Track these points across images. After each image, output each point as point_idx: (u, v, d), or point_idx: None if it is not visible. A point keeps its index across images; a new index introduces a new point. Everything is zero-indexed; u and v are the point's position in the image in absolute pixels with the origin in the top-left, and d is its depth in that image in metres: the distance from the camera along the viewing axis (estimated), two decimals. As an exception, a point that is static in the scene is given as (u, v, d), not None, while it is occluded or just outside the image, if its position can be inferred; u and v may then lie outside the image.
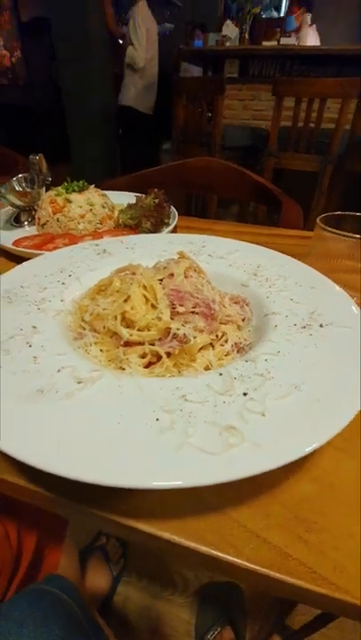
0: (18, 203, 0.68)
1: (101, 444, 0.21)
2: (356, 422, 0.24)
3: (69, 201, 0.64)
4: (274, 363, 0.27)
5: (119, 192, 0.82)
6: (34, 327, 0.31)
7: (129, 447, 0.21)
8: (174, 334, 0.29)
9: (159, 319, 0.29)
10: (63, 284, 0.39)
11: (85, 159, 3.07)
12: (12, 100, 4.95)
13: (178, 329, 0.29)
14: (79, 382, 0.25)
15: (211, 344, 0.31)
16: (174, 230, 0.68)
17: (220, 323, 0.33)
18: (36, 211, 0.68)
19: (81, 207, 0.64)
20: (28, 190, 0.69)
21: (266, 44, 2.79)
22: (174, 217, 0.69)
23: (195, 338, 0.29)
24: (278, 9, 4.42)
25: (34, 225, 0.69)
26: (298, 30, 3.04)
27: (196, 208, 2.01)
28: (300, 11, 3.11)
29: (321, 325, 0.31)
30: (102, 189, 0.71)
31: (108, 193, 0.73)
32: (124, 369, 0.28)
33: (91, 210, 0.65)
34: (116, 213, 0.70)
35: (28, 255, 0.56)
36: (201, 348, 0.30)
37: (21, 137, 4.55)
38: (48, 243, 0.61)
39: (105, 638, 0.58)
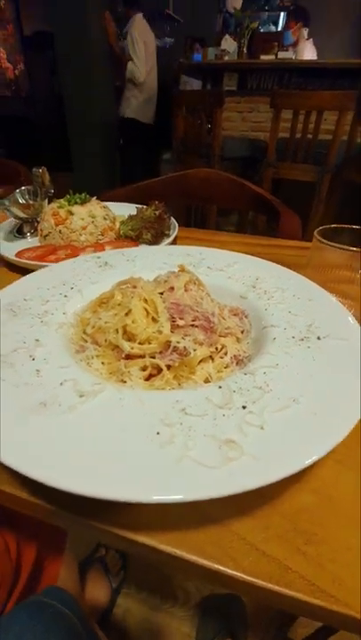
0: (21, 215, 0.69)
1: (103, 458, 0.21)
2: (354, 434, 0.24)
3: (72, 213, 0.65)
4: (272, 375, 0.28)
5: (120, 203, 0.83)
6: (37, 340, 0.32)
7: (130, 461, 0.21)
8: (174, 347, 0.30)
9: (160, 332, 0.30)
10: (65, 296, 0.40)
11: (87, 169, 3.11)
12: (15, 112, 5.05)
13: (178, 342, 0.30)
14: (81, 396, 0.25)
15: (210, 356, 0.32)
16: (174, 241, 0.69)
17: (220, 335, 0.33)
18: (38, 222, 0.70)
19: (83, 219, 0.66)
20: (31, 202, 0.71)
21: (264, 57, 2.85)
22: (174, 228, 0.71)
23: (194, 351, 0.30)
24: (276, 24, 4.53)
25: (36, 236, 0.70)
26: (295, 44, 3.11)
27: (196, 217, 2.03)
28: (297, 25, 3.18)
29: (318, 338, 0.32)
30: (102, 200, 0.73)
31: (110, 204, 0.74)
32: (125, 381, 0.29)
33: (92, 222, 0.66)
34: (118, 225, 0.71)
35: (31, 266, 0.57)
36: (201, 361, 0.31)
37: (24, 147, 4.63)
38: (50, 254, 0.62)
39: (104, 651, 0.57)
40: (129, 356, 0.30)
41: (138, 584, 0.98)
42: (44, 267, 0.52)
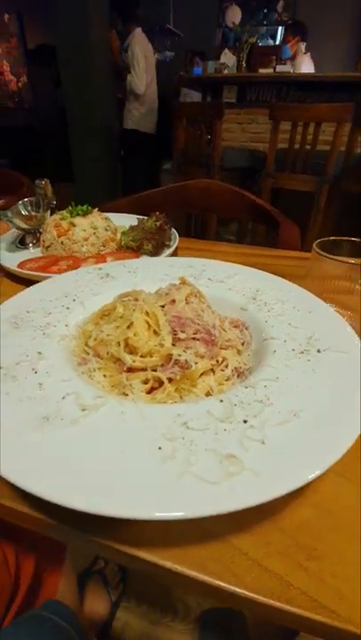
0: (23, 226, 0.70)
1: (104, 474, 0.21)
2: (355, 448, 0.24)
3: (74, 224, 0.66)
4: (273, 389, 0.28)
5: (121, 214, 0.84)
6: (39, 353, 0.32)
7: (132, 477, 0.21)
8: (176, 360, 0.30)
9: (161, 345, 0.30)
10: (68, 308, 0.40)
11: (88, 179, 3.15)
12: (18, 123, 5.15)
13: (179, 355, 0.30)
14: (83, 409, 0.26)
15: (211, 369, 0.32)
16: (175, 252, 0.70)
17: (221, 348, 0.34)
18: (40, 233, 0.70)
19: (85, 230, 0.66)
20: (34, 214, 0.72)
21: (262, 71, 2.91)
22: (175, 239, 0.71)
23: (196, 364, 0.30)
24: (274, 38, 4.65)
25: (38, 247, 0.71)
26: (293, 58, 3.18)
27: (196, 226, 2.05)
28: (294, 40, 3.26)
29: (319, 351, 0.32)
30: (104, 211, 0.74)
31: (111, 215, 0.75)
32: (127, 394, 0.29)
33: (94, 233, 0.67)
34: (119, 235, 0.72)
35: (33, 277, 0.57)
36: (202, 374, 0.31)
37: (26, 157, 4.70)
38: (52, 265, 0.63)
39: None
40: (131, 369, 0.31)
41: (137, 597, 0.96)
42: (45, 277, 0.53)
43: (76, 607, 0.69)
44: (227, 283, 0.47)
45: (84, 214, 0.69)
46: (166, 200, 1.14)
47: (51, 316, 0.38)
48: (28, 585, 0.59)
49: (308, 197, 2.01)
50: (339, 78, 2.42)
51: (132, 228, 0.71)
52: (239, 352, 0.36)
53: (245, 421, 0.25)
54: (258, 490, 0.20)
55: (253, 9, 4.62)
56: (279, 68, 2.95)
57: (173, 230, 0.73)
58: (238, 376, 0.33)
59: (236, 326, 0.39)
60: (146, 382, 0.30)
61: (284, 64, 3.07)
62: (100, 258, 0.65)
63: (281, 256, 0.75)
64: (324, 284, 0.51)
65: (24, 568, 0.60)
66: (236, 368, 0.33)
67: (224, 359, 0.33)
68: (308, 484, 0.28)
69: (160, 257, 0.66)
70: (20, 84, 5.25)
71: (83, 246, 0.66)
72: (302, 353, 0.32)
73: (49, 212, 0.74)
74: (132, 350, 0.31)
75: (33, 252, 0.70)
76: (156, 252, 0.67)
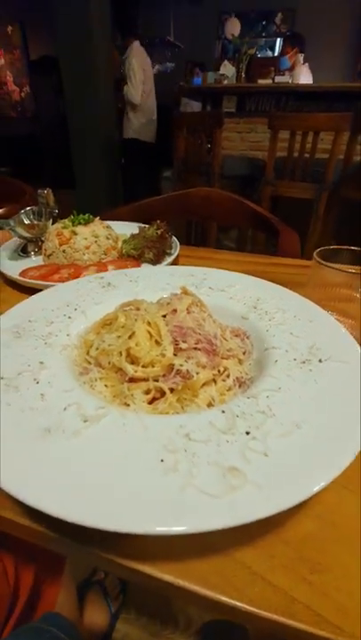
0: (26, 235, 0.71)
1: (106, 487, 0.21)
2: (357, 458, 0.24)
3: (75, 233, 0.67)
4: (275, 399, 0.28)
5: (122, 222, 0.85)
6: (41, 363, 0.32)
7: (134, 490, 0.21)
8: (177, 370, 0.30)
9: (163, 356, 0.31)
10: (69, 317, 0.40)
11: (89, 187, 3.18)
12: (21, 132, 5.23)
13: (181, 365, 0.30)
14: (85, 421, 0.26)
15: (213, 379, 0.32)
16: (176, 260, 0.71)
17: (222, 358, 0.34)
18: (42, 242, 0.71)
19: (86, 239, 0.67)
20: (36, 223, 0.72)
21: (261, 81, 2.96)
22: (176, 247, 0.72)
23: (197, 374, 0.30)
24: (273, 49, 4.73)
25: (40, 255, 0.71)
26: (291, 69, 3.23)
27: (196, 233, 2.06)
28: (293, 51, 3.32)
29: (320, 360, 0.32)
30: (105, 219, 0.74)
31: (112, 223, 0.75)
32: (128, 405, 0.29)
33: (96, 241, 0.68)
34: (120, 244, 0.72)
35: (34, 285, 0.58)
36: (203, 384, 0.31)
37: (29, 165, 4.76)
38: (54, 273, 0.63)
39: None
40: (132, 379, 0.31)
41: (137, 608, 0.94)
42: (47, 286, 0.53)
43: (75, 618, 0.68)
44: (228, 292, 0.47)
45: (86, 223, 0.69)
46: (167, 208, 1.15)
47: (52, 325, 0.38)
48: (28, 596, 0.58)
49: (306, 205, 2.03)
50: (337, 89, 2.46)
51: (133, 236, 0.72)
52: (240, 362, 0.36)
53: (248, 433, 0.25)
54: (261, 504, 0.20)
55: (252, 21, 4.71)
56: (278, 79, 3.00)
57: (174, 238, 0.73)
58: (240, 386, 0.33)
59: (237, 335, 0.39)
60: (147, 392, 0.30)
61: (283, 75, 3.12)
62: (101, 266, 0.65)
63: (281, 264, 0.75)
64: (324, 293, 0.51)
65: (23, 579, 0.60)
66: (237, 378, 0.33)
67: (226, 369, 0.33)
68: (312, 495, 0.28)
69: (161, 265, 0.66)
70: (22, 94, 5.35)
71: (84, 255, 0.67)
72: (304, 363, 0.32)
73: (51, 220, 0.74)
74: (133, 360, 0.31)
75: (35, 261, 0.70)
76: (157, 261, 0.68)
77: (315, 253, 0.51)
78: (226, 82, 3.10)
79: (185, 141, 2.23)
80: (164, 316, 0.35)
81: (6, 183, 1.28)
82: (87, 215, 0.71)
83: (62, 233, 0.67)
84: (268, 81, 2.96)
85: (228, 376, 0.32)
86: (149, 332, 0.33)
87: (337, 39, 4.42)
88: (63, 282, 0.54)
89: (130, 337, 0.32)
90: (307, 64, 3.28)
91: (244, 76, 3.16)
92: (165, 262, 0.67)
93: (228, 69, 3.19)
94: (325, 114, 1.87)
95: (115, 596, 0.93)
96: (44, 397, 0.28)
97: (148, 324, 0.33)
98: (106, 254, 0.69)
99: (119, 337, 0.33)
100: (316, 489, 0.21)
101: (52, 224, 0.72)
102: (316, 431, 0.25)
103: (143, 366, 0.31)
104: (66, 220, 0.70)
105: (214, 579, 0.24)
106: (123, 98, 3.09)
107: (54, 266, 0.66)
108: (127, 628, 0.90)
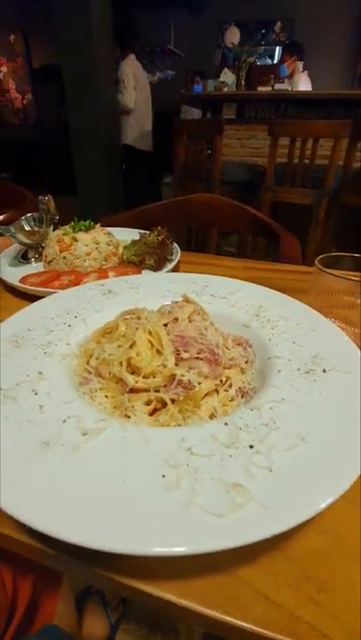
0: (26, 241, 0.71)
1: (105, 505, 0.21)
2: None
3: (76, 240, 0.67)
4: (279, 411, 0.27)
5: (123, 229, 0.85)
6: (40, 373, 0.31)
7: (134, 508, 0.20)
8: (179, 380, 0.30)
9: (164, 366, 0.30)
10: (69, 326, 0.40)
11: (90, 192, 3.20)
12: (23, 138, 5.28)
13: (183, 375, 0.30)
14: (84, 434, 0.25)
15: (215, 389, 0.31)
16: (177, 266, 0.70)
17: (224, 367, 0.33)
18: (43, 248, 0.71)
19: (87, 246, 0.67)
20: (37, 229, 0.72)
21: (261, 89, 2.98)
22: (177, 253, 0.72)
23: (199, 384, 0.30)
24: (272, 57, 4.79)
25: (41, 262, 0.71)
26: (291, 76, 3.27)
27: (197, 239, 2.07)
28: (291, 59, 3.36)
29: (324, 370, 0.32)
30: (105, 225, 0.74)
31: (113, 229, 0.75)
32: (129, 416, 0.29)
33: (96, 248, 0.67)
34: (121, 250, 0.72)
35: (34, 292, 0.57)
36: (206, 394, 0.30)
37: (30, 171, 4.80)
38: (54, 279, 0.63)
39: None
40: (133, 390, 0.30)
41: (137, 619, 0.93)
42: (47, 292, 0.53)
43: (74, 630, 0.67)
44: (229, 299, 0.47)
45: (87, 229, 0.69)
46: (168, 214, 1.15)
47: (52, 334, 0.38)
48: (26, 607, 0.57)
49: (306, 210, 2.03)
50: (335, 96, 2.48)
51: (133, 242, 0.71)
52: (243, 371, 0.35)
53: (251, 447, 0.24)
54: (266, 523, 0.19)
55: (252, 30, 4.78)
56: (277, 86, 3.03)
57: (175, 245, 0.73)
58: (242, 396, 0.32)
59: (239, 344, 0.38)
60: (149, 403, 0.29)
61: (282, 82, 3.16)
62: (101, 273, 0.65)
63: (282, 270, 0.75)
64: (326, 300, 0.51)
65: (21, 590, 0.59)
66: (240, 388, 0.32)
67: (228, 379, 0.32)
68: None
69: (162, 272, 0.66)
70: (24, 102, 5.41)
71: (85, 261, 0.66)
72: (308, 373, 0.32)
73: (52, 227, 0.74)
74: (134, 370, 0.31)
75: (35, 267, 0.70)
76: (158, 267, 0.67)
77: (317, 260, 0.51)
78: (226, 89, 3.14)
79: (185, 148, 2.24)
80: (166, 325, 0.34)
81: (7, 189, 1.28)
82: (88, 222, 0.71)
83: (63, 239, 0.67)
84: (268, 88, 2.99)
85: (230, 386, 0.32)
86: (150, 342, 0.32)
87: (335, 47, 4.48)
88: (64, 288, 0.54)
89: (131, 346, 0.32)
90: (306, 72, 3.32)
91: (243, 83, 3.19)
92: (166, 269, 0.67)
93: (228, 77, 3.22)
94: (325, 121, 1.88)
95: (114, 606, 0.91)
96: (43, 409, 0.27)
97: (150, 333, 0.33)
98: (106, 261, 0.69)
99: (120, 346, 0.33)
100: (322, 506, 0.20)
101: (53, 230, 0.72)
102: (321, 444, 0.24)
103: (144, 377, 0.30)
104: (66, 227, 0.70)
105: (217, 598, 0.23)
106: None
107: (55, 272, 0.65)
108: (127, 638, 0.89)
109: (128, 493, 0.21)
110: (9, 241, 0.72)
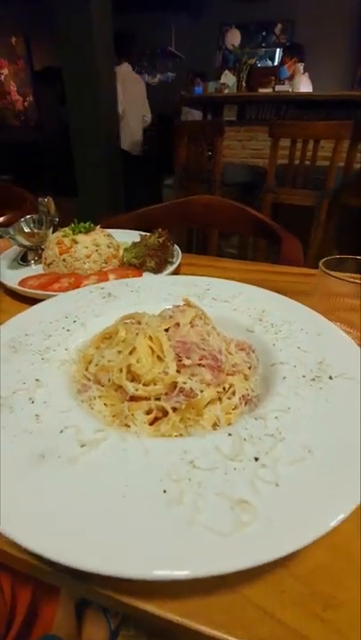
0: (26, 243, 0.70)
1: (102, 523, 0.20)
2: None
3: (76, 242, 0.66)
4: (284, 421, 0.26)
5: (123, 230, 0.84)
6: (37, 380, 0.30)
7: (133, 526, 0.19)
8: (181, 388, 0.29)
9: (166, 373, 0.29)
10: (68, 330, 0.39)
11: (91, 194, 3.20)
12: (24, 140, 5.29)
13: (185, 382, 0.29)
14: (82, 445, 0.24)
15: (218, 397, 0.30)
16: (178, 268, 0.69)
17: (227, 374, 0.32)
18: (42, 250, 0.70)
19: (87, 248, 0.66)
20: (36, 231, 0.71)
21: (262, 90, 2.98)
22: (178, 256, 0.71)
23: (202, 392, 0.29)
24: (273, 59, 4.80)
25: (40, 264, 0.70)
26: (291, 78, 3.27)
27: (198, 241, 2.06)
28: (292, 60, 3.36)
29: (331, 377, 0.31)
30: (106, 226, 0.73)
31: (113, 231, 0.74)
32: (128, 426, 0.28)
33: (96, 250, 0.67)
34: (121, 252, 0.71)
35: (33, 295, 0.57)
36: (208, 402, 0.29)
37: (31, 173, 4.80)
38: (54, 282, 0.62)
39: None
40: (133, 398, 0.29)
41: (138, 625, 0.91)
42: (47, 295, 0.52)
43: (73, 637, 0.66)
44: (231, 303, 0.46)
45: (87, 231, 0.68)
46: (168, 216, 1.14)
47: (51, 339, 0.37)
48: (25, 615, 0.56)
49: (307, 212, 2.03)
50: (336, 97, 2.48)
51: (134, 244, 0.70)
52: (246, 377, 0.34)
53: (257, 459, 0.23)
54: (274, 544, 0.18)
55: (252, 32, 4.79)
56: (278, 88, 3.02)
57: (176, 247, 0.72)
58: (246, 403, 0.31)
59: (242, 349, 0.37)
60: (149, 412, 0.28)
61: (283, 84, 3.15)
62: (102, 275, 0.64)
63: (284, 272, 0.74)
64: (330, 303, 0.50)
65: (20, 598, 0.58)
66: (243, 395, 0.31)
67: (231, 386, 0.31)
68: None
69: (163, 275, 0.65)
70: (25, 104, 5.43)
71: (85, 263, 0.65)
72: (313, 380, 0.31)
73: (51, 229, 0.73)
74: (134, 377, 0.30)
75: (35, 269, 0.69)
76: (158, 269, 0.67)
77: (320, 263, 0.50)
78: (227, 91, 3.14)
79: (186, 150, 2.24)
80: (167, 330, 0.34)
81: (7, 190, 1.28)
82: (88, 224, 0.70)
83: (63, 241, 0.66)
84: (269, 90, 2.99)
85: (233, 393, 0.31)
86: (151, 348, 0.31)
87: (336, 49, 4.48)
88: (63, 291, 0.53)
89: (131, 353, 0.31)
90: (306, 73, 3.32)
91: (244, 85, 3.19)
92: (167, 271, 0.66)
93: (228, 79, 3.22)
94: (325, 122, 1.88)
95: (114, 612, 0.90)
96: (40, 419, 0.26)
97: (150, 338, 0.32)
98: (107, 263, 0.68)
99: (119, 352, 0.32)
100: (333, 524, 0.19)
101: (53, 232, 0.71)
102: (329, 456, 0.23)
103: (145, 384, 0.29)
104: (66, 229, 0.69)
105: (221, 617, 0.22)
106: None
107: (54, 275, 0.65)
108: (127, 646, 0.87)
109: (128, 511, 0.20)
110: (8, 243, 0.72)
